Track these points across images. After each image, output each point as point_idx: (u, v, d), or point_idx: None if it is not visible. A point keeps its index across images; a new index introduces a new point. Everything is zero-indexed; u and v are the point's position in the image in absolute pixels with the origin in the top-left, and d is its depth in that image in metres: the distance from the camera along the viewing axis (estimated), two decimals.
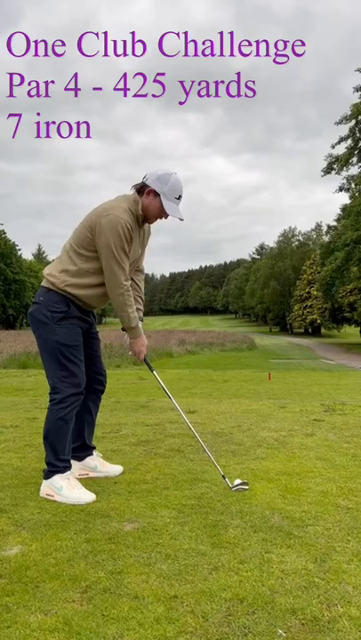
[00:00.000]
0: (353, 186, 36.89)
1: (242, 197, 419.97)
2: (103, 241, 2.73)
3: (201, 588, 1.80)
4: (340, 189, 37.79)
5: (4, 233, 71.22)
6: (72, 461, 2.96)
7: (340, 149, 36.32)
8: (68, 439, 2.86)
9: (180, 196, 2.88)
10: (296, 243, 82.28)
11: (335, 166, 36.69)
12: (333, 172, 36.97)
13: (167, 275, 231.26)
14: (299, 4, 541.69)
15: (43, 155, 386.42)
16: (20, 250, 74.48)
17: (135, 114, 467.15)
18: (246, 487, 2.82)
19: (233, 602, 1.72)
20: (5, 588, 1.82)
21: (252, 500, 2.65)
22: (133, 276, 3.12)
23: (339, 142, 35.91)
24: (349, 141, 35.63)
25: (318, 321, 65.61)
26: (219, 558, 2.03)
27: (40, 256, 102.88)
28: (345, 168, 36.56)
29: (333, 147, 36.44)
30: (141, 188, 2.87)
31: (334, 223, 45.21)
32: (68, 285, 2.82)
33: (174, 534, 2.26)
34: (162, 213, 2.88)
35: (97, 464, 3.15)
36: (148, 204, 2.86)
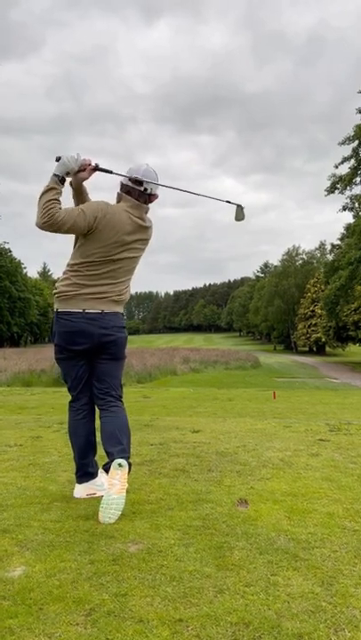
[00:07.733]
0: (356, 205, 37.18)
1: (250, 216, 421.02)
2: None
3: (206, 612, 1.78)
4: (344, 209, 38.11)
5: (10, 251, 71.88)
6: (80, 482, 3.12)
7: (344, 169, 36.74)
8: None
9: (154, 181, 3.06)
10: (300, 261, 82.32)
11: (339, 186, 37.05)
12: (337, 191, 37.33)
13: (171, 293, 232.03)
14: (311, 31, 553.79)
15: None
16: (25, 268, 75.17)
17: (148, 136, 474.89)
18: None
19: (239, 626, 1.70)
20: (9, 610, 1.81)
21: (257, 522, 2.63)
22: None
23: (342, 162, 36.33)
24: (353, 161, 36.01)
25: (323, 339, 65.26)
26: (224, 581, 2.01)
27: (45, 274, 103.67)
28: (348, 187, 36.92)
29: (337, 167, 36.87)
30: (120, 196, 3.09)
31: (338, 242, 45.46)
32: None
33: (179, 556, 2.24)
34: (137, 189, 3.02)
35: (104, 481, 3.14)
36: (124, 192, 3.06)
